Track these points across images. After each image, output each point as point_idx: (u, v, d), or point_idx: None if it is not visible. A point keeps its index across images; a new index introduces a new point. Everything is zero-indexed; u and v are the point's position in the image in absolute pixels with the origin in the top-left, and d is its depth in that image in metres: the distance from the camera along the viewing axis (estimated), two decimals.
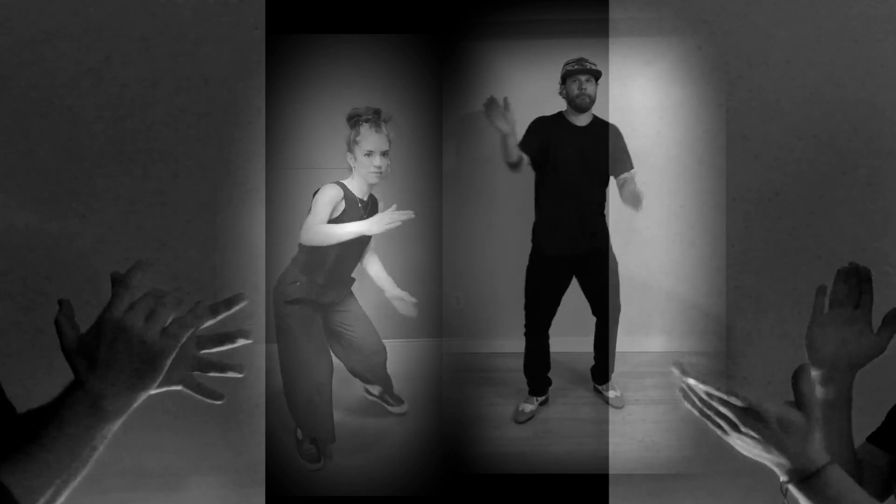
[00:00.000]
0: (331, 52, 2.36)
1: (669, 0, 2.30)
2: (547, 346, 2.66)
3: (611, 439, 2.40)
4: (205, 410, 2.15)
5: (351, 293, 2.50)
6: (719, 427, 0.94)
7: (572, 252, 2.57)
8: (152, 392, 0.97)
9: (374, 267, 2.49)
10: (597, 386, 2.77)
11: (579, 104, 2.53)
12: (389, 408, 2.57)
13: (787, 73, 2.21)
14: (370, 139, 2.23)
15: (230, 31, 2.15)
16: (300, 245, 2.33)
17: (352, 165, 2.28)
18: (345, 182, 2.30)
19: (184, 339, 0.89)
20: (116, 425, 0.86)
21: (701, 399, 0.94)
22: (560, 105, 2.62)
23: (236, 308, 0.97)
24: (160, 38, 2.15)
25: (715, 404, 0.92)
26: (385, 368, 2.53)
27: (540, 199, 2.60)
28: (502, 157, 2.48)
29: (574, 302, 2.62)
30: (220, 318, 0.96)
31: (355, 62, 2.40)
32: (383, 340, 2.52)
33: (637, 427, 2.47)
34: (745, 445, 0.93)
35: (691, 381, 0.92)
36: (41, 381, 0.89)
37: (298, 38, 2.24)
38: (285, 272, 2.33)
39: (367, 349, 2.47)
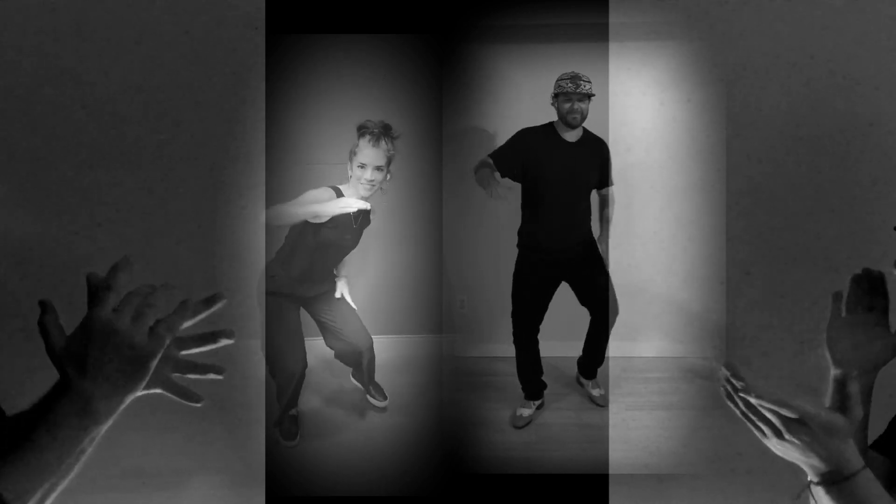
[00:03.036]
0: (331, 52, 2.37)
1: (668, 5, 2.30)
2: (536, 351, 2.61)
3: (613, 445, 2.39)
4: (205, 411, 2.16)
5: (332, 286, 2.51)
6: (760, 431, 0.95)
7: (559, 256, 2.54)
8: (137, 395, 0.97)
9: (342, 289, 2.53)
10: (582, 380, 2.77)
11: (570, 121, 2.45)
12: (371, 399, 2.61)
13: (787, 75, 2.21)
14: (365, 152, 2.21)
15: (230, 31, 2.15)
16: (285, 238, 2.35)
17: (349, 174, 2.27)
18: (340, 187, 2.30)
19: (170, 339, 0.88)
20: (105, 427, 0.86)
21: (747, 404, 0.95)
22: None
23: (216, 308, 0.95)
24: (160, 38, 2.15)
25: (764, 412, 0.93)
26: (370, 366, 2.54)
27: (526, 205, 2.57)
28: (479, 184, 2.40)
29: (567, 307, 2.61)
30: (199, 318, 0.95)
31: (355, 62, 2.41)
32: (385, 336, 2.52)
33: (639, 433, 2.46)
34: (784, 450, 0.94)
35: (739, 385, 0.93)
36: (37, 386, 0.89)
37: (298, 38, 2.25)
38: (268, 264, 2.36)
39: (354, 344, 2.49)
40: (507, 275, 2.54)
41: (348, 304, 2.51)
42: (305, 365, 2.36)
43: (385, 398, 2.61)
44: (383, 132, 2.21)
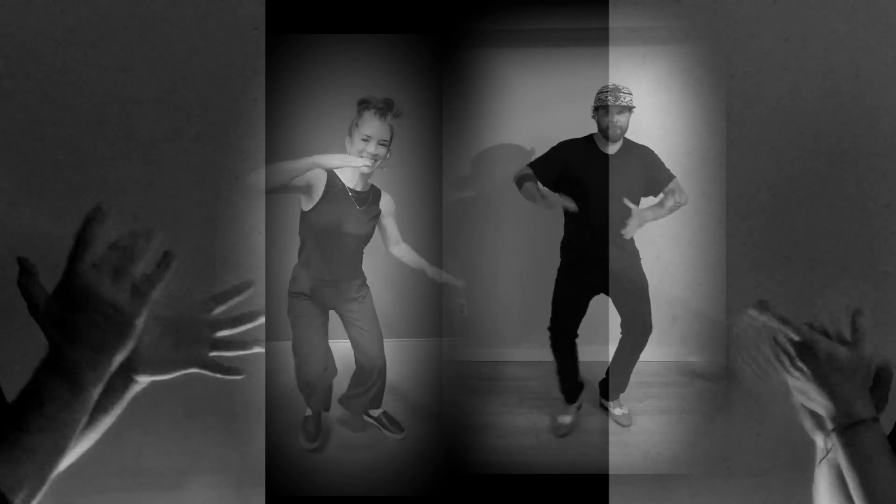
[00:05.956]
0: (331, 52, 2.37)
1: (669, 8, 2.31)
2: (575, 356, 2.62)
3: (615, 450, 2.38)
4: (205, 410, 2.15)
5: (365, 290, 2.48)
6: (782, 364, 1.00)
7: (601, 267, 2.55)
8: (163, 378, 0.95)
9: (406, 255, 2.47)
10: (602, 401, 2.74)
11: (610, 135, 2.49)
12: (387, 433, 2.52)
13: (788, 78, 2.21)
14: (370, 124, 2.20)
15: (230, 31, 2.16)
16: (301, 239, 2.36)
17: (347, 150, 2.25)
18: (336, 172, 2.29)
19: (154, 296, 0.84)
20: (96, 394, 0.82)
21: (773, 338, 0.99)
22: (564, 110, 2.60)
23: (246, 294, 0.99)
24: (159, 37, 2.16)
25: (779, 338, 0.99)
26: (378, 380, 2.48)
27: (569, 218, 2.56)
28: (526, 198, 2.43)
29: (589, 311, 2.60)
30: (230, 304, 0.99)
31: (355, 62, 2.40)
32: (384, 340, 2.51)
33: (641, 437, 2.45)
34: (798, 384, 0.98)
35: (752, 313, 0.97)
36: None
37: (298, 38, 2.25)
38: (294, 267, 2.37)
39: (369, 353, 2.47)
40: (507, 279, 2.54)
41: (372, 309, 2.46)
42: (327, 374, 2.34)
43: (402, 429, 2.51)
44: (387, 107, 2.21)
